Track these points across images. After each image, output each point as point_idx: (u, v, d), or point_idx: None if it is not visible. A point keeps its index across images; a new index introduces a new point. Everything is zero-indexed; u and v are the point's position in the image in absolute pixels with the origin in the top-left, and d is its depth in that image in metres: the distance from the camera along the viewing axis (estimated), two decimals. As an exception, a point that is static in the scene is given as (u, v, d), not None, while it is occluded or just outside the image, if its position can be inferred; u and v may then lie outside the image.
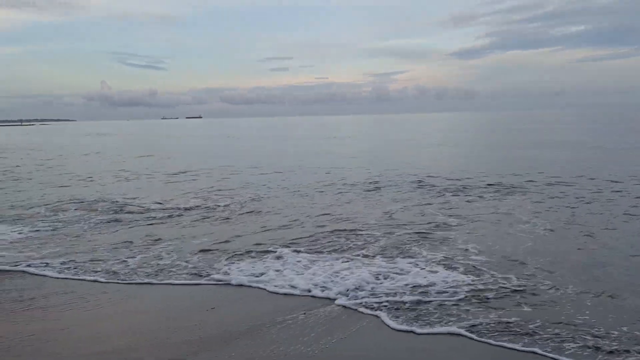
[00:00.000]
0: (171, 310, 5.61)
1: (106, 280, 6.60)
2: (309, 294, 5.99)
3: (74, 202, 13.80)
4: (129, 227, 10.42)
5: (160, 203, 13.43)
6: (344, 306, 5.59)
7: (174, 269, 7.09)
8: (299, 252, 7.94)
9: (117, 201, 13.92)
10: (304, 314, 5.33)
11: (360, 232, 9.33)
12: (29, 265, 7.34)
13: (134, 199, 14.46)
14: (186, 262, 7.44)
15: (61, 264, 7.42)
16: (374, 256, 7.67)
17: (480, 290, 6.05)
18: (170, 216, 11.67)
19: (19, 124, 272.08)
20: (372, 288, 6.16)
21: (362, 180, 16.48)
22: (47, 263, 7.46)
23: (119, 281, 6.56)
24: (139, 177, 19.91)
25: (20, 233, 10.01)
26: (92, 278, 6.69)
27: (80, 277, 6.74)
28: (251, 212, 11.98)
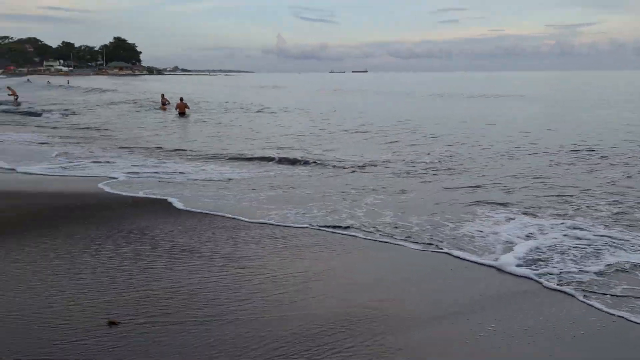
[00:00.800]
0: (412, 272, 5.62)
1: (353, 234, 6.88)
2: (530, 271, 5.42)
3: (274, 150, 14.83)
4: (333, 178, 10.80)
5: (360, 156, 13.72)
6: (572, 291, 4.88)
7: (398, 229, 7.06)
8: (515, 218, 7.43)
9: (316, 153, 14.59)
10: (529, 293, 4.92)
11: (583, 199, 8.46)
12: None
13: (331, 150, 15.06)
14: (408, 222, 7.34)
15: (294, 212, 7.92)
16: (604, 227, 6.89)
17: None
18: (371, 167, 11.91)
19: (208, 73, 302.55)
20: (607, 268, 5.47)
21: (571, 143, 14.94)
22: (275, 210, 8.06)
23: (362, 236, 6.75)
24: (329, 130, 20.67)
25: (239, 175, 11.02)
26: (330, 230, 7.02)
27: (318, 226, 7.12)
28: (452, 169, 11.67)
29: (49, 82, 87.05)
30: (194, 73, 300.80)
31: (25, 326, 3.83)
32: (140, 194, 8.46)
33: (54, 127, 21.46)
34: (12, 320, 3.90)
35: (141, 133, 20.13)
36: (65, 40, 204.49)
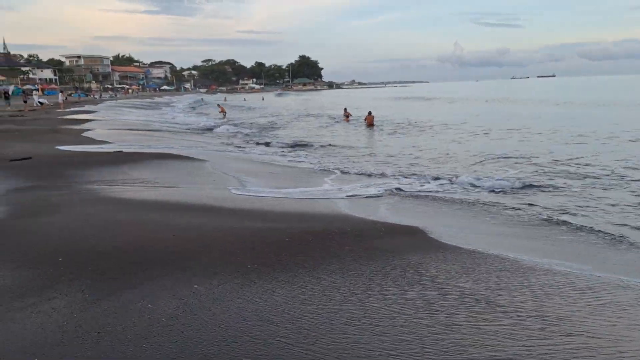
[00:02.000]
0: None
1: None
2: None
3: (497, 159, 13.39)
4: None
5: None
6: None
7: None
8: None
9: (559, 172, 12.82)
10: None
11: None
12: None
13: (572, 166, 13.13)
14: None
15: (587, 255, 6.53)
16: None
17: None
18: None
19: (383, 85, 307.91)
20: None
21: None
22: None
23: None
24: (544, 145, 18.47)
25: (485, 197, 9.83)
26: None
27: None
28: None
29: (245, 99, 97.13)
30: (369, 86, 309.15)
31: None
32: (390, 220, 7.82)
33: (271, 144, 22.77)
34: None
35: (346, 144, 20.63)
36: (258, 61, 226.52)
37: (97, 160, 13.85)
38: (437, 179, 11.68)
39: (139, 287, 4.86)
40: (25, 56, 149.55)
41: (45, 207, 8.25)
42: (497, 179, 10.89)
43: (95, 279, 5.07)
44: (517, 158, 15.99)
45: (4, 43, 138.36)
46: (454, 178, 11.46)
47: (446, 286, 5.09)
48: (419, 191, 10.18)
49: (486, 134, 24.70)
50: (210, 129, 31.34)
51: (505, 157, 16.09)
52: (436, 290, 4.96)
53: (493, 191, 10.11)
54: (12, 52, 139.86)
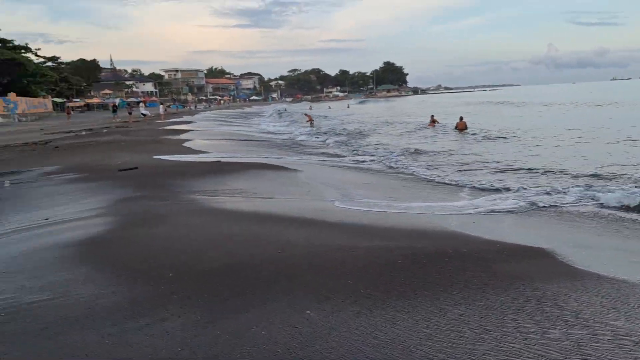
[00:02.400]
0: None
1: None
2: None
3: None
4: None
5: None
6: None
7: None
8: None
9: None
10: None
11: None
12: None
13: None
14: None
15: None
16: None
17: None
18: None
19: (471, 90, 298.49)
20: None
21: None
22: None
23: None
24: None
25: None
26: None
27: None
28: None
29: (329, 107, 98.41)
30: (456, 90, 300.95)
31: None
32: (512, 239, 7.06)
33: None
34: None
35: (445, 150, 19.93)
36: (342, 69, 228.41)
37: (198, 170, 14.18)
38: (562, 191, 10.48)
39: (251, 311, 4.61)
40: (129, 71, 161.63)
41: (152, 218, 8.38)
42: (630, 191, 9.59)
43: (206, 299, 4.89)
44: (637, 166, 14.40)
45: (111, 59, 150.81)
46: (575, 188, 10.34)
47: (594, 324, 4.36)
48: (548, 205, 9.26)
49: (595, 139, 22.74)
50: (299, 138, 31.60)
51: (625, 166, 14.54)
52: (583, 329, 4.25)
53: (626, 205, 8.95)
54: (117, 68, 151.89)
